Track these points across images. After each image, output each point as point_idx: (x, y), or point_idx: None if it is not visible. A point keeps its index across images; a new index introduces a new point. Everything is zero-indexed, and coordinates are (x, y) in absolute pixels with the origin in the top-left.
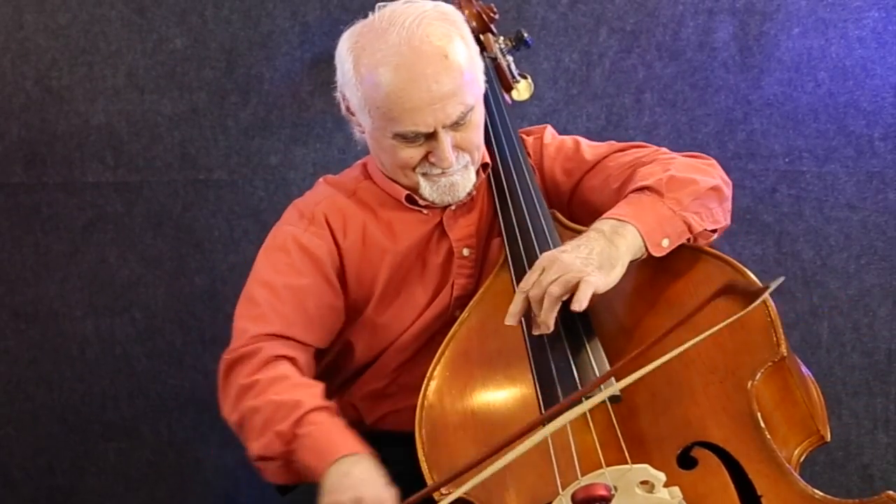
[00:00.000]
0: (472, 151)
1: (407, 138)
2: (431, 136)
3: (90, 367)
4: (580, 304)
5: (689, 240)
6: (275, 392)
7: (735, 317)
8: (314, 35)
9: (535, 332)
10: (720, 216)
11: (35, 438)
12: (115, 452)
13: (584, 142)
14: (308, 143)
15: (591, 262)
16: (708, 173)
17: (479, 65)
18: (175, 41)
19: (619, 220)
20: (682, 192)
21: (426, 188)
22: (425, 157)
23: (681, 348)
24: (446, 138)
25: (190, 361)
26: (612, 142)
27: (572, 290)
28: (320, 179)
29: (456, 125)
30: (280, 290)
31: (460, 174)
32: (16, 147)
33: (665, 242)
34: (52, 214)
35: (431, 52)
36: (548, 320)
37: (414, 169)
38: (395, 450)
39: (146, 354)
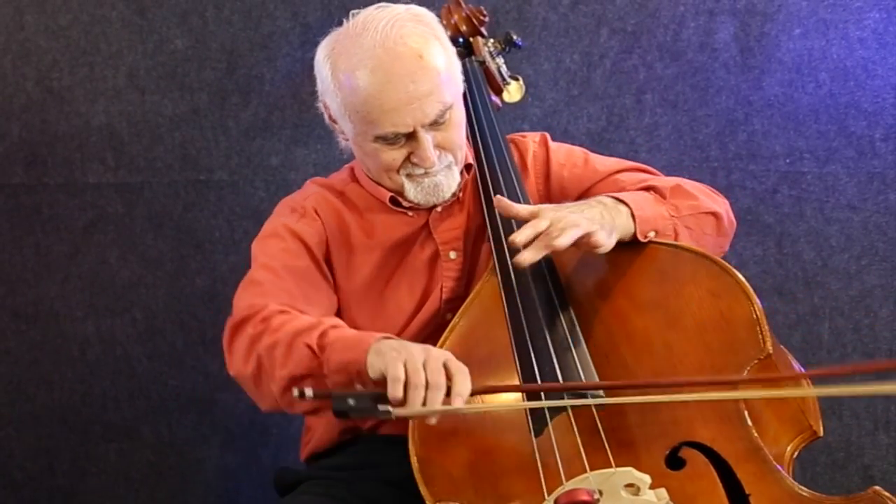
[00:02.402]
0: (455, 151)
1: (388, 140)
2: (412, 137)
3: (91, 368)
4: (565, 239)
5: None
6: (290, 325)
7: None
8: (315, 36)
9: (516, 264)
10: (709, 244)
11: (36, 439)
12: (115, 453)
13: (591, 153)
14: (309, 144)
15: (595, 223)
16: (714, 200)
17: (456, 64)
18: (176, 42)
19: (619, 199)
20: (682, 202)
21: (411, 189)
22: (407, 159)
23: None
24: (427, 138)
25: (191, 362)
26: (619, 160)
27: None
28: (308, 181)
29: (435, 124)
30: (280, 271)
31: (444, 174)
32: (16, 148)
33: (651, 234)
34: (52, 215)
35: (406, 52)
36: (533, 257)
37: (398, 171)
38: (389, 455)
39: (147, 355)
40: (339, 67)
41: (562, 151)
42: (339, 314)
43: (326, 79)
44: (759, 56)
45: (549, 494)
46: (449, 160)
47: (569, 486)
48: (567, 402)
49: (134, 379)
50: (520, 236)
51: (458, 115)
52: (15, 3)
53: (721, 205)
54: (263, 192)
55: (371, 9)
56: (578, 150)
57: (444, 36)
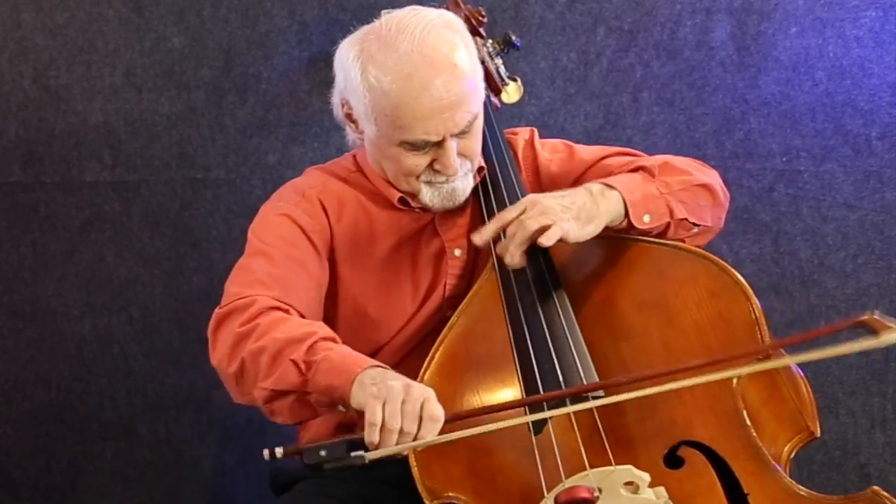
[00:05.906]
0: (473, 158)
1: (415, 146)
2: (438, 145)
3: (88, 367)
4: (548, 240)
5: (669, 224)
6: (280, 331)
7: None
8: (312, 34)
9: (506, 265)
10: (707, 216)
11: (33, 438)
12: (112, 451)
13: (574, 144)
14: (306, 143)
15: (570, 211)
16: (704, 172)
17: (480, 72)
18: (173, 40)
19: (608, 185)
20: (672, 178)
21: (427, 194)
22: (430, 165)
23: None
24: (452, 146)
25: (188, 360)
26: (602, 146)
27: (544, 230)
28: (309, 168)
29: (461, 133)
30: (276, 258)
31: (461, 180)
32: (13, 146)
33: (647, 218)
34: (49, 213)
35: (442, 60)
36: (515, 252)
37: (418, 177)
38: None
39: (144, 353)
40: (369, 70)
41: (547, 147)
42: (343, 314)
43: (354, 79)
44: (755, 54)
45: (548, 492)
46: (468, 167)
47: (569, 483)
48: (570, 408)
49: (131, 377)
50: (485, 232)
51: (481, 124)
52: (12, 1)
53: (712, 176)
54: (260, 190)
55: (405, 12)
56: (561, 143)
57: (472, 44)
